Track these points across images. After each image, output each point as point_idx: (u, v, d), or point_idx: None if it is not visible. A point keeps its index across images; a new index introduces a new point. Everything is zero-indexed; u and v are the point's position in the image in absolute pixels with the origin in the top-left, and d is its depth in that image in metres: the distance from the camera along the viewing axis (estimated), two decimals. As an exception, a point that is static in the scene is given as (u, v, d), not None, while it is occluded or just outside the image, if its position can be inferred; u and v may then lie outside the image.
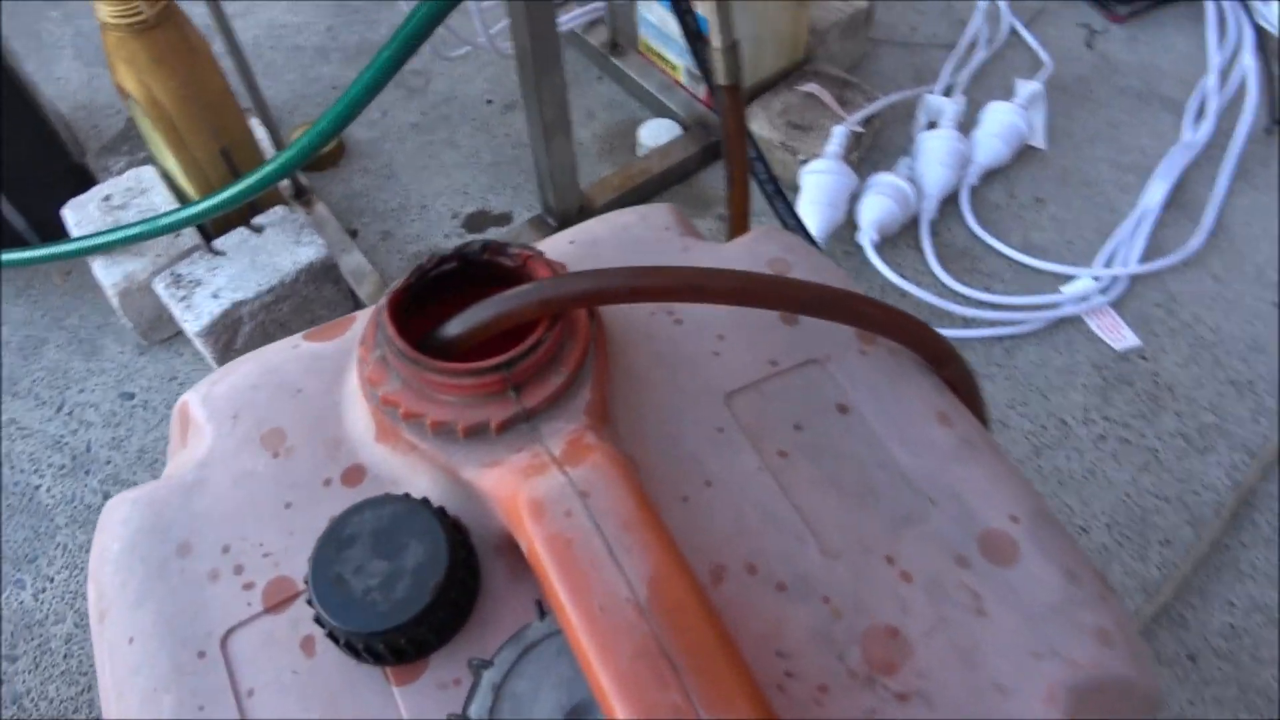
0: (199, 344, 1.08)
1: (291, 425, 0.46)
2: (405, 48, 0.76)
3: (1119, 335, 1.08)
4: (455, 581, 0.38)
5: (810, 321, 0.48)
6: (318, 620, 0.38)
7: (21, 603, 0.96)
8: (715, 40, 0.56)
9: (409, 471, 0.42)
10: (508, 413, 0.40)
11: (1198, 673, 0.86)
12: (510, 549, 0.41)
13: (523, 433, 0.41)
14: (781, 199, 1.04)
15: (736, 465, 0.43)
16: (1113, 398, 1.04)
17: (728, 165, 0.57)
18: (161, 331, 1.15)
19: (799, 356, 0.47)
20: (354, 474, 0.44)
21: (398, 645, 0.38)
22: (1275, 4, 1.39)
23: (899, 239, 1.19)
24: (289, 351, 0.49)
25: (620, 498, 0.36)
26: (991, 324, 1.09)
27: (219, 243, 1.10)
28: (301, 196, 1.25)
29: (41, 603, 0.96)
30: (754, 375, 0.46)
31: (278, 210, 1.13)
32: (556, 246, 0.52)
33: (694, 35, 1.02)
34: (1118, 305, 1.11)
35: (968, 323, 1.10)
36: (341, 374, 0.47)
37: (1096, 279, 1.12)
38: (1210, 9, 1.41)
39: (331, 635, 0.38)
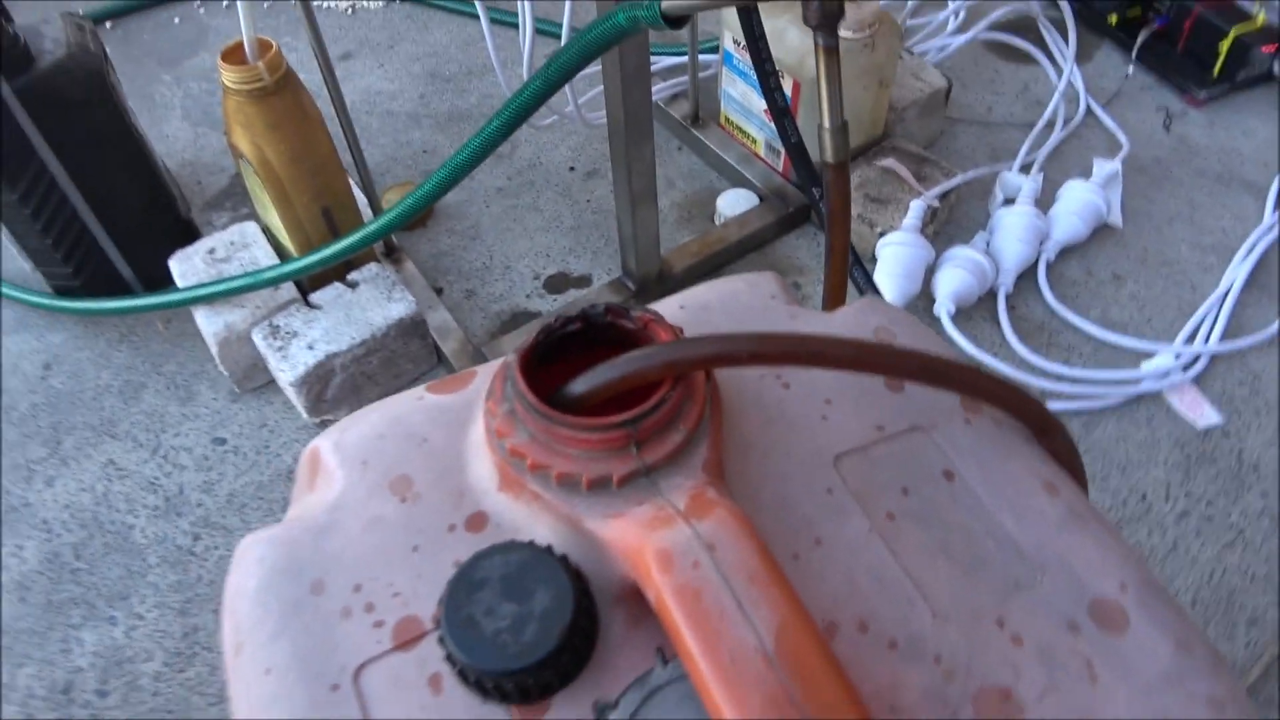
0: (291, 393, 1.13)
1: (418, 473, 0.48)
2: (512, 121, 0.80)
3: (1201, 413, 1.07)
4: (579, 627, 0.40)
5: (915, 389, 0.50)
6: (448, 658, 0.40)
7: (113, 639, 1.00)
8: (825, 121, 0.58)
9: (531, 520, 0.44)
10: (629, 467, 0.42)
11: (1291, 765, 0.83)
12: (628, 598, 0.42)
13: (642, 487, 0.43)
14: (860, 268, 1.05)
15: (846, 527, 0.45)
16: (1195, 475, 1.03)
17: (829, 239, 0.60)
18: (254, 380, 1.20)
19: (905, 423, 0.49)
20: (477, 521, 0.46)
21: (525, 685, 0.39)
22: (1358, 89, 1.39)
23: (975, 312, 1.19)
24: (414, 403, 0.52)
25: (745, 551, 0.38)
26: (1069, 398, 1.09)
27: (315, 297, 1.15)
28: (392, 255, 1.31)
29: (132, 640, 1.00)
30: (861, 440, 0.48)
31: (371, 267, 1.18)
32: (667, 310, 0.55)
33: (780, 112, 1.06)
34: (1199, 383, 1.10)
35: (1045, 396, 1.10)
36: (465, 425, 0.50)
37: (1178, 356, 1.11)
38: (1290, 93, 1.42)
39: (461, 673, 0.40)
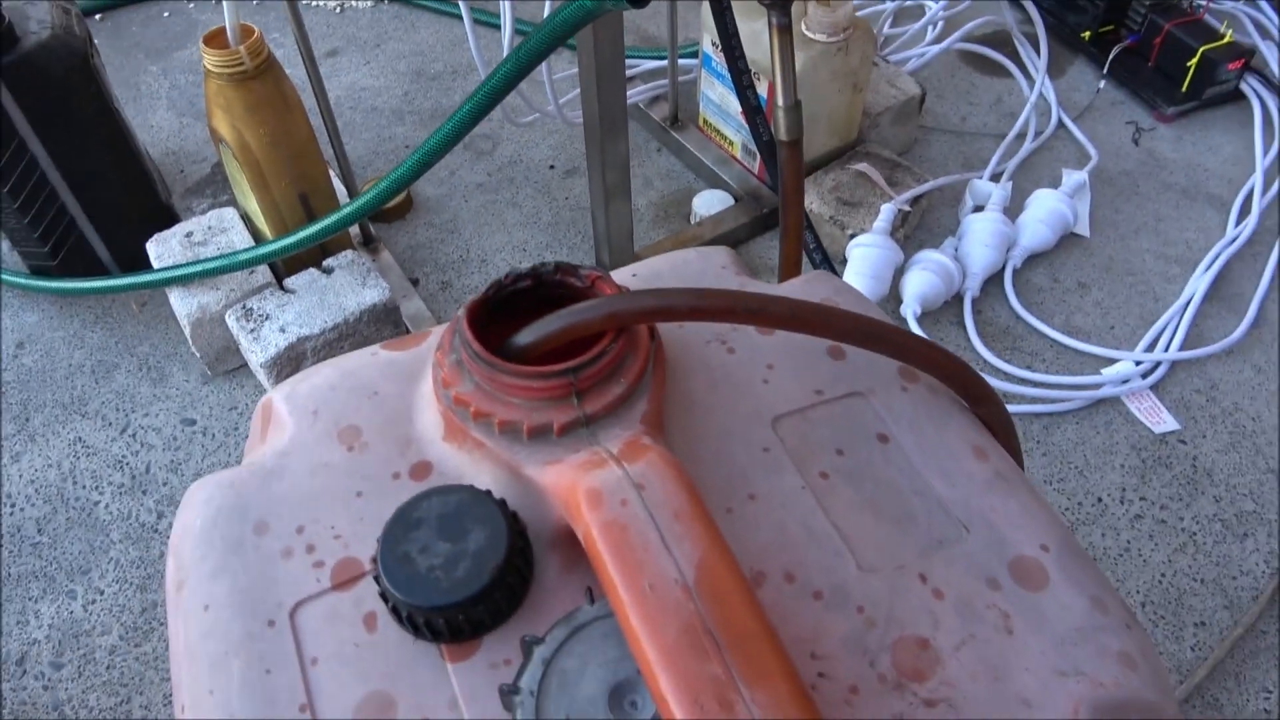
0: (262, 375, 1.13)
1: (366, 423, 0.49)
2: (484, 104, 0.82)
3: (1158, 419, 1.09)
4: (512, 566, 0.41)
5: (855, 356, 0.51)
6: (382, 595, 0.41)
7: (71, 613, 1.00)
8: (779, 99, 0.60)
9: (473, 468, 0.46)
10: (569, 416, 0.43)
11: (1234, 759, 0.85)
12: (563, 544, 0.43)
13: (582, 437, 0.44)
14: (829, 267, 1.07)
15: (780, 483, 0.46)
16: (1150, 479, 1.04)
17: (783, 216, 0.61)
18: (226, 363, 1.21)
19: (844, 388, 0.50)
20: (422, 469, 0.47)
21: (455, 622, 0.40)
22: (1321, 110, 1.42)
23: (941, 315, 1.21)
24: (367, 358, 0.53)
25: (673, 491, 0.39)
26: (1031, 400, 1.11)
27: (290, 281, 1.16)
28: (369, 244, 1.32)
29: (90, 614, 1.00)
30: (800, 402, 0.49)
31: (347, 254, 1.19)
32: (620, 277, 0.56)
33: (753, 110, 1.08)
34: (1158, 389, 1.12)
35: (1007, 398, 1.12)
36: (415, 379, 0.51)
37: (1138, 363, 1.13)
38: (1258, 113, 1.45)
39: (394, 610, 0.41)
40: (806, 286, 0.55)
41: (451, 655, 0.41)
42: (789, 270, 0.66)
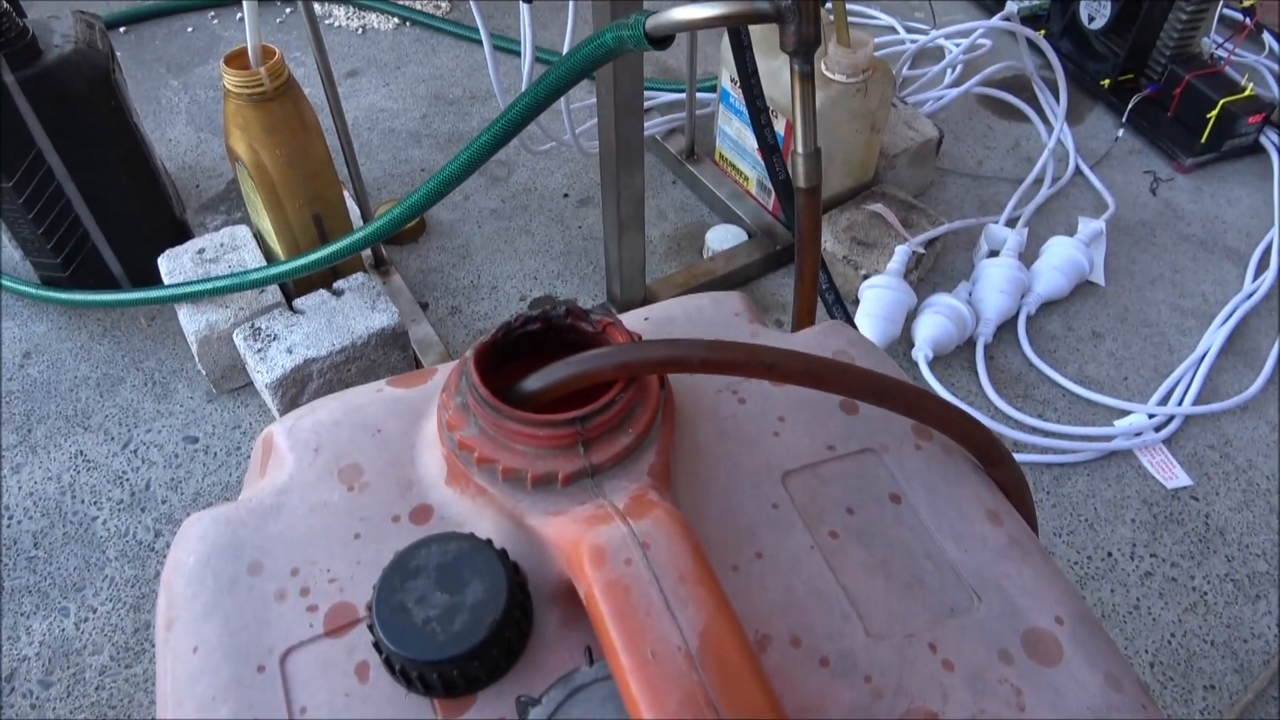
0: (267, 396, 1.13)
1: (368, 462, 0.48)
2: (501, 136, 0.81)
3: (1171, 474, 1.07)
4: (511, 621, 0.39)
5: (868, 412, 0.50)
6: (376, 645, 0.40)
7: (63, 630, 0.99)
8: (799, 147, 0.59)
9: (475, 515, 0.45)
10: (575, 466, 0.42)
11: (1242, 831, 0.82)
12: (564, 599, 0.42)
13: (587, 488, 0.43)
14: (841, 308, 1.06)
15: (788, 541, 0.45)
16: (1162, 535, 1.03)
17: (799, 263, 0.60)
18: (232, 381, 1.20)
19: (856, 445, 0.49)
20: (422, 513, 0.46)
21: (449, 677, 0.39)
22: (1341, 166, 1.41)
23: (953, 360, 1.20)
24: (372, 394, 0.52)
25: (679, 553, 0.38)
26: (1042, 450, 1.09)
27: (299, 302, 1.15)
28: (380, 267, 1.31)
29: (82, 632, 0.98)
30: (811, 458, 0.48)
31: (357, 276, 1.19)
32: (632, 321, 0.55)
33: (770, 148, 1.07)
34: (1170, 444, 1.11)
35: (1017, 447, 1.11)
36: (419, 419, 0.50)
37: (1151, 416, 1.12)
38: (1276, 166, 1.44)
39: (387, 661, 0.40)
40: (821, 338, 0.54)
41: (445, 710, 0.39)
42: (803, 319, 0.66)
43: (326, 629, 0.42)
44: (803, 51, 0.53)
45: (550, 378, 0.44)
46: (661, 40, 0.59)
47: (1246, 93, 1.42)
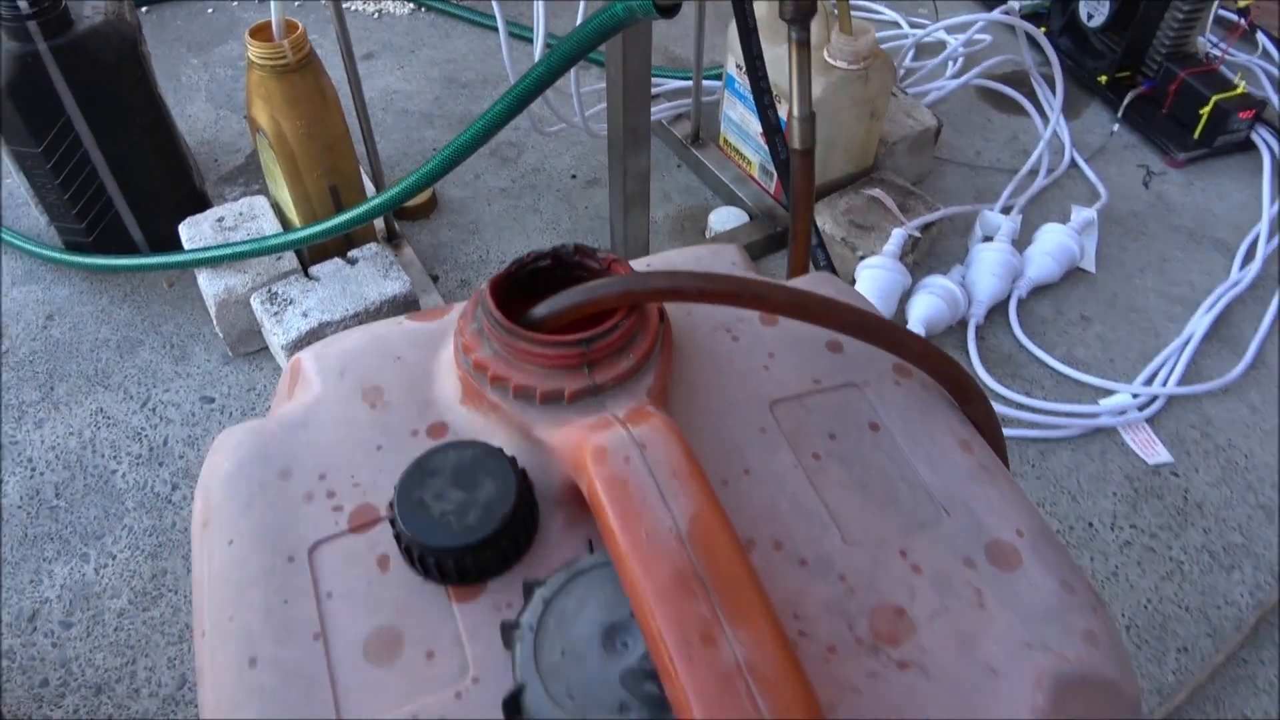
0: (282, 358, 1.17)
1: (389, 384, 0.52)
2: (514, 105, 0.85)
3: (1153, 450, 1.11)
4: (519, 516, 0.44)
5: (852, 350, 0.54)
6: (396, 537, 0.44)
7: (83, 575, 1.03)
8: (794, 110, 0.63)
9: (487, 429, 0.49)
10: (580, 384, 0.46)
11: (1208, 783, 0.86)
12: (568, 502, 0.46)
13: (591, 405, 0.47)
14: (830, 267, 1.10)
15: (774, 461, 0.49)
16: (1141, 508, 1.06)
17: (793, 221, 0.64)
18: (248, 345, 1.24)
19: (840, 379, 0.53)
20: (439, 429, 0.50)
21: (463, 565, 0.43)
22: (1328, 162, 1.45)
23: (945, 339, 1.24)
24: (394, 327, 0.56)
25: (672, 452, 0.42)
26: (1028, 425, 1.13)
27: (315, 269, 1.19)
28: (393, 240, 1.35)
29: (102, 577, 1.03)
30: (798, 389, 0.52)
31: (371, 247, 1.23)
32: (635, 267, 0.59)
33: (773, 129, 1.11)
34: (1154, 422, 1.15)
35: (1005, 423, 1.14)
36: (436, 348, 0.54)
37: (1135, 395, 1.16)
38: (1267, 162, 1.48)
39: (406, 551, 0.44)
40: (811, 284, 0.58)
41: (457, 596, 0.43)
42: (795, 271, 0.70)
43: (351, 526, 0.46)
44: (799, 19, 0.57)
45: (559, 303, 0.48)
46: (669, 9, 0.63)
47: (1239, 90, 1.46)
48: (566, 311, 0.48)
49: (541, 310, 0.48)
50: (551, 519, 0.46)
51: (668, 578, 0.37)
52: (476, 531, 0.43)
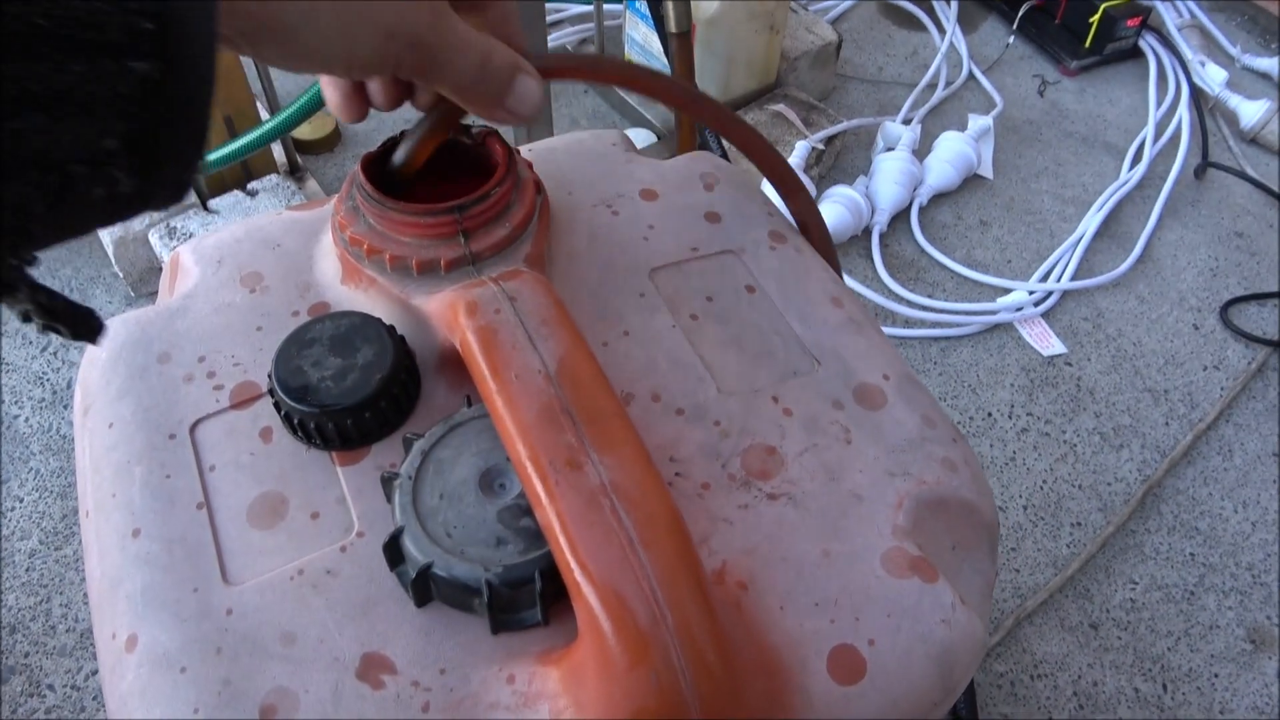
0: (185, 295, 1.15)
1: (268, 270, 0.52)
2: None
3: (1047, 343, 1.16)
4: (398, 379, 0.44)
5: (730, 219, 0.56)
6: (276, 405, 0.44)
7: (-10, 521, 1.01)
8: (668, -7, 0.64)
9: (367, 305, 0.49)
10: (456, 253, 0.47)
11: (1098, 640, 0.92)
12: (448, 367, 0.47)
13: (468, 274, 0.47)
14: (722, 150, 1.10)
15: (653, 322, 0.50)
16: (1037, 397, 1.11)
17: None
18: (150, 285, 1.21)
19: (717, 247, 0.54)
20: (319, 309, 0.50)
21: (344, 429, 0.44)
22: (1210, 65, 1.50)
23: (850, 247, 1.27)
24: (272, 218, 0.56)
25: (542, 303, 0.43)
26: (931, 325, 1.17)
27: (214, 202, 1.17)
28: (295, 173, 1.33)
29: (9, 520, 1.01)
30: (677, 257, 0.53)
31: (272, 178, 1.20)
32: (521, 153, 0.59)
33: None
34: (1048, 317, 1.19)
35: (909, 323, 1.18)
36: (316, 236, 0.54)
37: (1031, 292, 1.20)
38: (1153, 68, 1.53)
39: (287, 418, 0.44)
40: (691, 163, 0.60)
41: (341, 460, 0.44)
42: (684, 150, 0.70)
43: (232, 403, 0.46)
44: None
45: (411, 139, 0.47)
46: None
47: (1126, -2, 1.50)
48: (421, 145, 0.46)
49: (399, 155, 0.48)
50: (434, 384, 0.47)
51: (536, 413, 0.39)
52: (355, 393, 0.43)
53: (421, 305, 0.47)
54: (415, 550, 0.38)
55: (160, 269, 1.18)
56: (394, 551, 0.39)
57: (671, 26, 0.64)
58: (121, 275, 1.19)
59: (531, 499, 0.37)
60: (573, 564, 0.35)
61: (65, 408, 1.10)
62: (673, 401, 0.47)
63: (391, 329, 0.46)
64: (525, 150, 0.60)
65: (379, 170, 0.50)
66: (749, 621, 0.39)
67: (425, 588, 0.39)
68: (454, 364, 0.47)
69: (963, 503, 0.45)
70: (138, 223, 1.15)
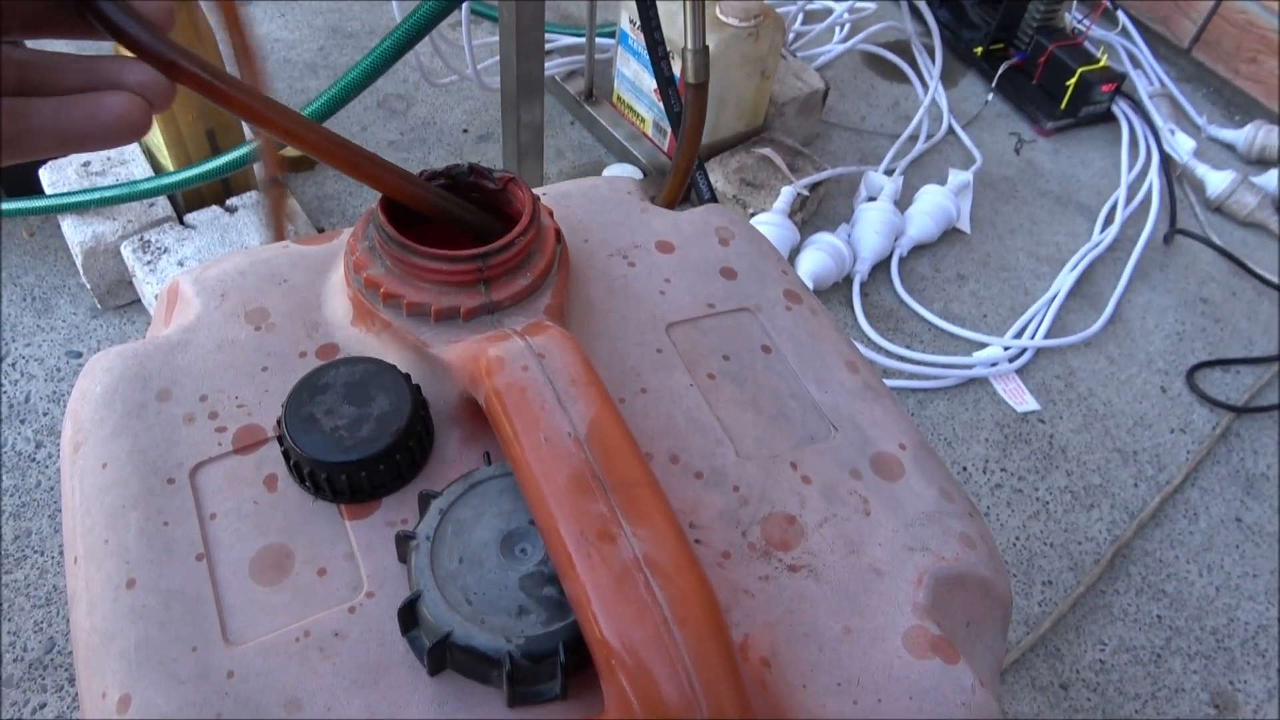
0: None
1: (274, 306, 0.50)
2: (406, 39, 0.83)
3: (1021, 399, 1.17)
4: (413, 431, 0.43)
5: (746, 276, 0.55)
6: (285, 454, 0.43)
7: (-64, 539, 0.96)
8: (689, 44, 0.64)
9: (380, 349, 0.48)
10: (476, 302, 0.46)
11: (1068, 701, 0.92)
12: (463, 419, 0.46)
13: (486, 323, 0.46)
14: (705, 181, 1.10)
15: (670, 380, 0.49)
16: (1011, 452, 1.12)
17: (678, 153, 0.64)
18: (118, 298, 1.18)
19: (733, 304, 0.54)
20: (328, 350, 0.49)
21: (356, 481, 0.42)
22: (1179, 133, 1.55)
23: (831, 294, 1.28)
24: (278, 250, 0.54)
25: (571, 360, 0.42)
26: (909, 376, 1.18)
27: (190, 217, 1.14)
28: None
29: (-43, 540, 0.96)
30: (693, 313, 0.53)
31: (251, 194, 1.18)
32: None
33: (666, 80, 1.12)
34: (1022, 373, 1.21)
35: (887, 374, 1.19)
36: (324, 271, 0.52)
37: (1006, 348, 1.22)
38: (1125, 133, 1.57)
39: (295, 468, 0.43)
40: (706, 216, 0.59)
41: (350, 514, 0.43)
42: (670, 198, 0.70)
43: (235, 447, 0.45)
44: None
45: None
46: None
47: (1101, 64, 1.54)
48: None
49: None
50: (447, 436, 0.46)
51: (566, 479, 0.37)
52: (369, 446, 0.42)
53: (439, 354, 0.45)
54: (433, 617, 0.37)
55: (130, 282, 1.15)
56: (409, 616, 0.38)
57: (690, 77, 0.63)
58: (89, 286, 1.15)
59: (560, 569, 0.36)
60: (605, 641, 0.34)
61: (23, 422, 1.06)
62: (692, 464, 0.46)
63: (408, 378, 0.44)
64: (540, 193, 0.60)
65: (396, 211, 0.49)
66: (773, 701, 0.38)
67: (441, 656, 0.37)
68: (470, 416, 0.46)
69: (980, 580, 0.45)
70: (109, 234, 1.11)
